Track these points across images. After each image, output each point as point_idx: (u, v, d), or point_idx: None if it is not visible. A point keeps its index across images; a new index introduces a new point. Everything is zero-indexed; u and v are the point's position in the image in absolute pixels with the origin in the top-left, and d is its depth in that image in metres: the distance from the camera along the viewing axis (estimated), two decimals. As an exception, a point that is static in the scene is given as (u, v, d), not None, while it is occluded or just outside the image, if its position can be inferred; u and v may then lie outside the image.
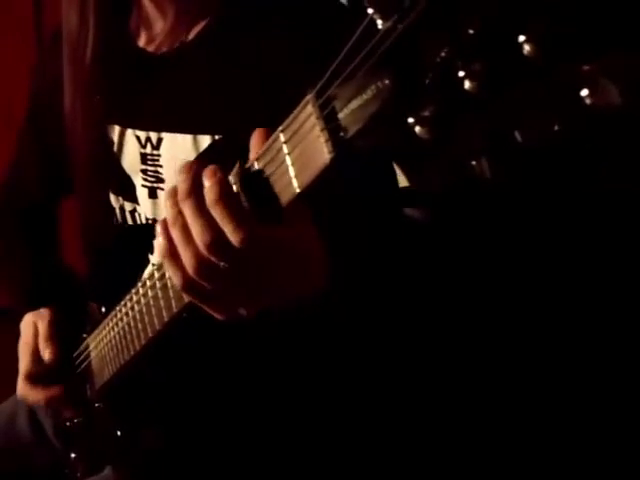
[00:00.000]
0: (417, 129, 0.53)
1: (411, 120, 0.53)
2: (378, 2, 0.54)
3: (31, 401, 1.30)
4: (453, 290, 1.16)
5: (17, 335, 1.34)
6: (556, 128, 0.49)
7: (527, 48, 0.47)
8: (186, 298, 0.85)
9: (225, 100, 1.08)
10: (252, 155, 0.74)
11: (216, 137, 1.08)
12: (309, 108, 0.63)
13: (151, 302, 0.96)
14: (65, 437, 1.34)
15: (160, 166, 1.14)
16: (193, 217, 0.75)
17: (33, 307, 1.33)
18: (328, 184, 0.65)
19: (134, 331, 1.04)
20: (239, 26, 1.08)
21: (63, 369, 1.27)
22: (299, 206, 0.72)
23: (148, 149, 1.15)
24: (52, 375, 1.27)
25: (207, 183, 0.74)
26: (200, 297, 0.80)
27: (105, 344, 1.16)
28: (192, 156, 1.10)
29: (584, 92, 0.47)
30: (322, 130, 0.61)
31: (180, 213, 0.76)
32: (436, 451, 1.21)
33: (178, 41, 1.13)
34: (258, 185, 0.72)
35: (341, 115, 0.59)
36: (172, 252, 0.78)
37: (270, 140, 0.70)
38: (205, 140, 1.09)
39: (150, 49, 1.17)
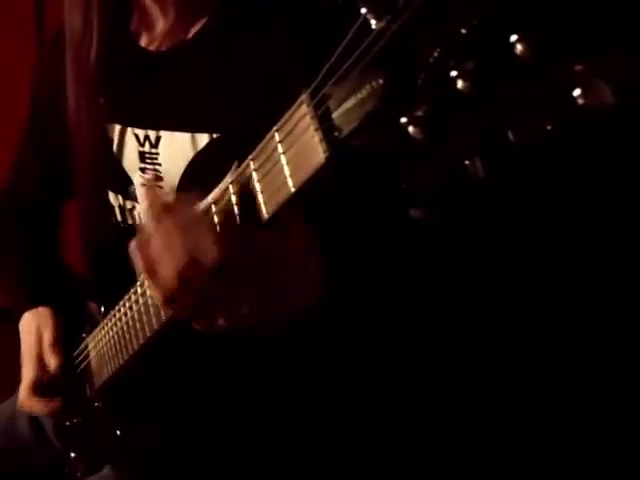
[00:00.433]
0: (410, 129, 0.53)
1: (404, 120, 0.53)
2: (372, 2, 0.54)
3: (34, 412, 1.30)
4: (450, 289, 1.16)
5: (17, 335, 1.34)
6: (549, 128, 0.49)
7: (519, 48, 0.47)
8: (165, 315, 0.86)
9: (224, 99, 1.08)
10: None
11: (214, 136, 1.08)
12: (303, 108, 0.63)
13: (149, 301, 0.96)
14: (65, 437, 1.34)
15: (159, 164, 1.14)
16: (170, 235, 0.75)
17: (32, 305, 1.33)
18: (323, 184, 0.65)
19: (133, 330, 1.04)
20: (238, 25, 1.08)
21: (66, 376, 1.27)
22: (290, 215, 0.72)
23: (146, 147, 1.15)
24: (57, 384, 1.27)
25: (182, 205, 0.75)
26: (181, 312, 0.82)
27: (104, 343, 1.16)
28: (190, 154, 1.10)
29: (577, 92, 0.47)
30: (316, 129, 0.61)
31: (158, 232, 0.77)
32: (436, 451, 1.21)
33: (178, 40, 1.13)
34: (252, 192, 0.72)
35: (335, 114, 0.59)
36: (150, 270, 0.80)
37: (265, 139, 0.70)
38: (203, 139, 1.09)
39: (151, 49, 1.17)
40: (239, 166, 0.75)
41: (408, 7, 0.52)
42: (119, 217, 1.22)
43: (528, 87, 0.48)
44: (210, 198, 0.79)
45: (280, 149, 0.67)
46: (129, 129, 1.17)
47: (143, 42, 1.18)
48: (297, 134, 0.64)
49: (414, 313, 1.09)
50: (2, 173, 1.45)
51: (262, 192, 0.71)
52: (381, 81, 0.54)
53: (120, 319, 1.08)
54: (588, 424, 1.22)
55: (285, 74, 1.01)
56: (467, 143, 0.52)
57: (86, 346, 1.25)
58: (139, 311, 1.00)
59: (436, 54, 0.51)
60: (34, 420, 1.40)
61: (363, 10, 0.55)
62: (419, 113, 0.52)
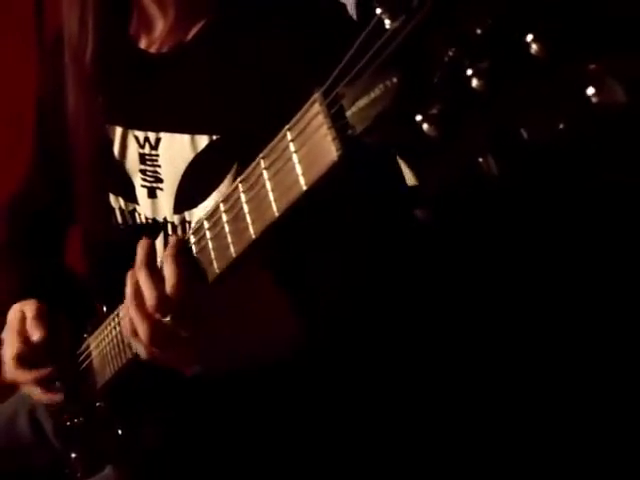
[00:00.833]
0: (425, 126, 0.54)
1: (419, 118, 0.54)
2: (386, 2, 0.55)
3: (20, 382, 1.29)
4: (455, 289, 1.16)
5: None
6: (561, 126, 0.50)
7: (534, 47, 0.48)
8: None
9: (224, 100, 1.09)
10: None
11: (214, 137, 1.08)
12: (316, 107, 0.63)
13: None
14: (65, 437, 1.34)
15: (159, 166, 1.15)
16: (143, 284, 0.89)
17: None
18: (334, 183, 0.66)
19: (135, 330, 1.04)
20: (238, 26, 1.09)
21: (52, 350, 1.26)
22: (254, 262, 0.77)
23: (147, 149, 1.15)
24: (41, 356, 1.25)
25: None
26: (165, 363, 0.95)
27: (106, 343, 1.16)
28: (190, 156, 1.10)
29: (590, 91, 0.47)
30: (329, 128, 0.62)
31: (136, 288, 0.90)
32: (436, 451, 1.22)
33: (178, 41, 1.14)
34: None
35: (349, 113, 0.60)
36: (132, 329, 0.92)
37: (276, 138, 0.70)
38: (203, 140, 1.09)
39: (151, 50, 1.17)
40: (239, 167, 0.75)
41: (422, 7, 0.53)
42: (120, 219, 1.22)
43: (541, 86, 0.49)
44: (219, 197, 0.80)
45: (292, 148, 0.67)
46: (130, 132, 1.18)
47: (143, 44, 1.18)
48: (309, 133, 0.65)
49: (414, 313, 1.09)
50: (2, 173, 1.46)
51: (272, 190, 0.72)
52: (395, 80, 0.55)
53: (122, 319, 1.08)
54: (588, 424, 1.23)
55: (285, 74, 1.02)
56: (480, 141, 0.53)
57: (88, 346, 1.25)
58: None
59: (451, 53, 0.51)
60: (34, 420, 1.39)
61: (378, 10, 0.55)
62: (434, 111, 0.53)
